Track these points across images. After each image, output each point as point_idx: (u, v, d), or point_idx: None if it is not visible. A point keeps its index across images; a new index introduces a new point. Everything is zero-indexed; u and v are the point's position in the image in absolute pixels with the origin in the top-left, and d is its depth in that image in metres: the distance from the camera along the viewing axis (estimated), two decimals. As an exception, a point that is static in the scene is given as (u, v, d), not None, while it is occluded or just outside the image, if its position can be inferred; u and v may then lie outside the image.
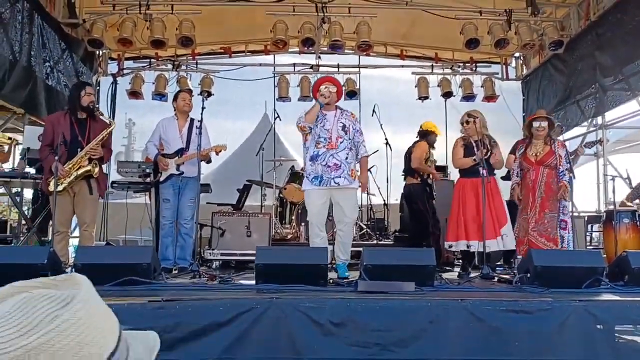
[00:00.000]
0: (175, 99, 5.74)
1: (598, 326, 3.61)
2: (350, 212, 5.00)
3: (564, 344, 3.50)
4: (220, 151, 5.54)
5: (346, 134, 4.92)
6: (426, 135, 6.67)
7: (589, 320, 3.54)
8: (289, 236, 7.30)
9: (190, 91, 6.13)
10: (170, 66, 9.60)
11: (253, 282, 4.26)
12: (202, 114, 5.18)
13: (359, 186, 5.14)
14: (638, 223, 5.89)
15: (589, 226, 7.75)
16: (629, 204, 6.51)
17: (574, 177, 5.30)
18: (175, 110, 5.66)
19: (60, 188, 4.76)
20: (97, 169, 4.92)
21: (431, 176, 6.48)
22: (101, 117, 5.23)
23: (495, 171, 5.47)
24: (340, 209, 4.93)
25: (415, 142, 6.76)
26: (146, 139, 5.92)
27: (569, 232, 5.06)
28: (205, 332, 3.39)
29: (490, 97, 9.64)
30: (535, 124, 5.25)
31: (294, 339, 3.46)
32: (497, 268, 5.98)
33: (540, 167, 5.15)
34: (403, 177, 6.85)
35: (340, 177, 4.83)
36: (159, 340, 0.92)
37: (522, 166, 5.30)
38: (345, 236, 4.98)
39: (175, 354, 3.32)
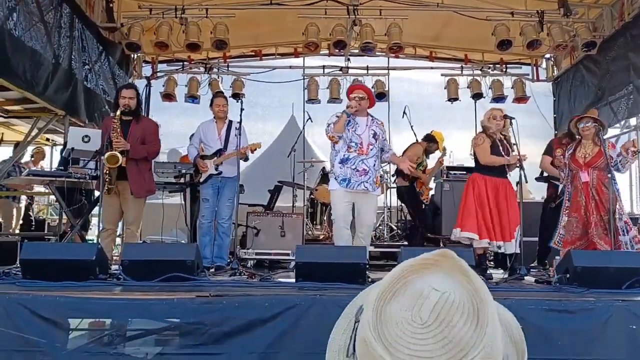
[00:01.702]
0: (210, 104, 5.90)
1: (632, 327, 3.58)
2: (372, 217, 5.22)
3: (607, 344, 3.49)
4: (255, 149, 5.67)
5: (376, 141, 5.12)
6: (429, 141, 6.68)
7: (631, 320, 3.54)
8: (321, 236, 7.38)
9: (224, 96, 6.23)
10: (202, 69, 9.77)
11: (291, 280, 4.34)
12: (241, 115, 5.29)
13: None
14: (677, 224, 5.79)
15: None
16: None
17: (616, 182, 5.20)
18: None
19: (110, 188, 4.92)
20: (119, 160, 4.87)
21: (417, 182, 6.44)
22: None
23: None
24: (362, 213, 5.11)
25: (412, 144, 6.81)
26: (172, 141, 6.06)
27: (626, 235, 4.89)
28: (251, 327, 3.46)
29: (521, 99, 9.61)
30: (580, 125, 5.16)
31: (337, 335, 3.51)
32: (531, 269, 5.95)
33: (589, 169, 5.01)
34: (394, 178, 6.79)
35: (367, 182, 5.02)
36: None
37: (570, 167, 5.14)
38: (365, 239, 5.17)
39: (222, 348, 3.41)
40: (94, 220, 6.80)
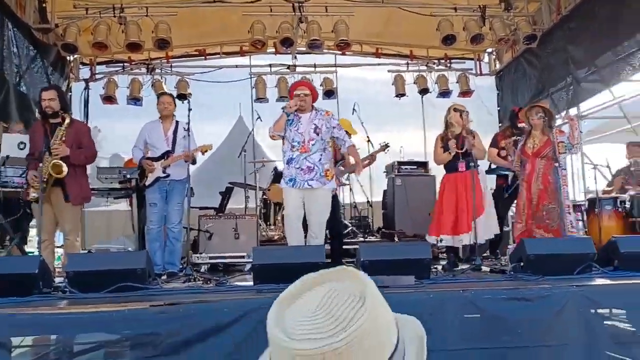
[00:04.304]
0: (158, 103, 5.67)
1: (592, 310, 3.68)
2: (323, 214, 5.07)
3: (564, 328, 3.56)
4: (206, 151, 5.51)
5: (318, 135, 5.00)
6: None
7: (586, 305, 3.61)
8: (275, 237, 7.25)
9: (170, 94, 6.03)
10: (144, 70, 9.44)
11: (248, 283, 4.22)
12: (189, 116, 5.12)
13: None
14: (619, 209, 6.02)
15: (569, 215, 7.89)
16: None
17: (564, 168, 5.41)
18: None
19: (34, 196, 4.66)
20: (63, 169, 4.68)
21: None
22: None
23: (479, 162, 5.50)
24: (312, 212, 5.03)
25: None
26: (113, 146, 5.82)
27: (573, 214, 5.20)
28: (211, 334, 3.32)
29: (466, 93, 9.80)
30: (531, 117, 5.33)
31: (300, 338, 3.42)
32: (484, 259, 6.03)
33: (536, 160, 5.19)
34: None
35: (313, 179, 4.95)
36: (424, 337, 0.98)
37: (521, 159, 5.34)
38: (317, 239, 5.05)
39: (180, 358, 3.26)
40: (32, 232, 6.39)
